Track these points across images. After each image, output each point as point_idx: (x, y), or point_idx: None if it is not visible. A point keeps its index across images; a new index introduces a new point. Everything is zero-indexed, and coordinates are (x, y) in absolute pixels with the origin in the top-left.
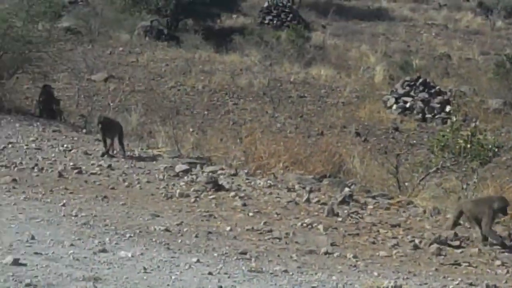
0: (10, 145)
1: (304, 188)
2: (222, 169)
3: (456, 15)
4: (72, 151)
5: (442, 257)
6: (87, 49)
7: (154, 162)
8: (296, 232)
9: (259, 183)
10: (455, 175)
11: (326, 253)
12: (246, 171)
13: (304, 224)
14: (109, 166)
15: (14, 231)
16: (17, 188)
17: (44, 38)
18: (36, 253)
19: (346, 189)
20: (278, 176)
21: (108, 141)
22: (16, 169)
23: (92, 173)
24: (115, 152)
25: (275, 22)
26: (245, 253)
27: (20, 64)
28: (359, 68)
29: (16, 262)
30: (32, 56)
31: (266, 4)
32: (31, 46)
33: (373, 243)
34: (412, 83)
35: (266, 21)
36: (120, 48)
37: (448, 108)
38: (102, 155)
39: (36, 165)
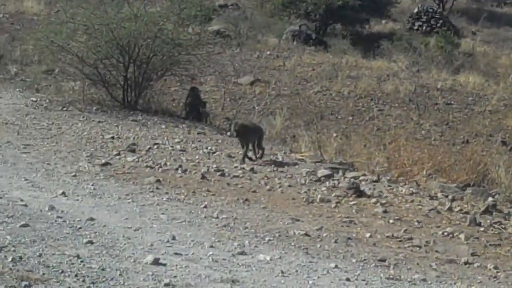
0: (155, 146)
1: (446, 196)
2: (364, 175)
3: None
4: (216, 153)
5: None
6: (235, 53)
7: (297, 166)
8: (437, 240)
9: (401, 190)
10: None
11: (466, 263)
12: (388, 177)
13: (445, 233)
14: (252, 169)
15: (156, 231)
16: (160, 188)
17: (193, 41)
18: (176, 253)
19: (490, 198)
20: (421, 184)
21: (245, 146)
22: (160, 170)
23: (234, 176)
24: (254, 158)
25: (424, 28)
26: (383, 260)
27: (169, 67)
28: (508, 76)
29: (156, 262)
30: (181, 58)
31: (416, 10)
32: (181, 49)
33: None
34: None
35: (415, 27)
36: (268, 52)
37: None
38: (242, 160)
39: (180, 166)
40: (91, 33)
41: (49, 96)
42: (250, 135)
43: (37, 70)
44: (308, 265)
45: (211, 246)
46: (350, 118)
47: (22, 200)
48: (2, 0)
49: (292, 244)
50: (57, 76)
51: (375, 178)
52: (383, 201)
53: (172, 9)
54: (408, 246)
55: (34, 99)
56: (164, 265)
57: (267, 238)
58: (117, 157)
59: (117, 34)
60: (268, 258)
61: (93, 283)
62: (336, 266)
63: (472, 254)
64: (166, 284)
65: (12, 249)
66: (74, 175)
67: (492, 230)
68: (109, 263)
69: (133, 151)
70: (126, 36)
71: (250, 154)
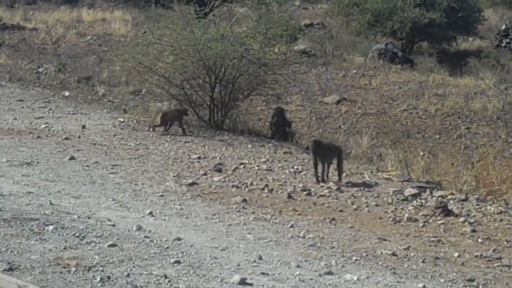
0: (242, 166)
1: None
2: (452, 194)
3: None
4: (302, 173)
5: None
6: (321, 72)
7: (383, 186)
8: None
9: (490, 209)
10: None
11: None
12: (476, 196)
13: None
14: (338, 188)
15: (242, 251)
16: (247, 208)
17: (279, 61)
18: (262, 273)
19: None
20: (510, 203)
21: (321, 166)
22: (246, 189)
23: (321, 195)
24: (326, 178)
25: None
26: (472, 280)
27: (255, 86)
28: None
29: (243, 282)
30: (267, 78)
31: (503, 27)
32: (267, 69)
33: None
34: None
35: (503, 44)
36: (354, 71)
37: None
38: (317, 182)
39: (267, 186)
40: (177, 54)
41: (137, 116)
42: (325, 154)
43: (125, 91)
44: (396, 285)
45: (298, 266)
46: (437, 136)
47: (110, 220)
48: (90, 22)
49: (379, 263)
50: (144, 96)
51: (463, 197)
52: (472, 220)
53: (258, 29)
54: (497, 266)
55: (122, 119)
56: (251, 285)
57: (354, 258)
58: (204, 177)
59: (204, 54)
60: (355, 278)
61: None
62: (424, 286)
63: None
64: None
65: (100, 269)
66: (161, 195)
67: None
68: (196, 283)
69: (220, 170)
70: (212, 57)
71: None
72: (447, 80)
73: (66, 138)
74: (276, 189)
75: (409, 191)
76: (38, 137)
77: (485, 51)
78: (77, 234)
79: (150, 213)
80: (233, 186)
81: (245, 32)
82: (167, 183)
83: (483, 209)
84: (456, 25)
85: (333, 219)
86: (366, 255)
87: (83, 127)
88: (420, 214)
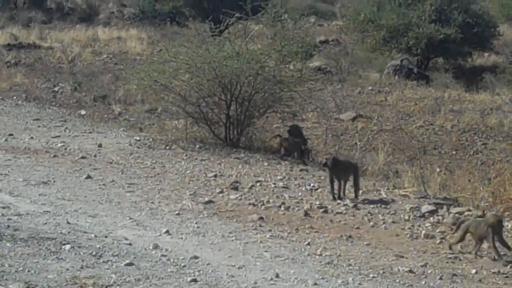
0: (258, 184)
1: None
2: (469, 210)
3: None
4: (319, 190)
5: None
6: (337, 88)
7: (400, 202)
8: None
9: (507, 225)
10: None
11: None
12: (494, 212)
13: None
14: (355, 205)
15: (259, 269)
16: (263, 226)
17: (295, 78)
18: None
19: None
20: None
21: (337, 184)
22: (263, 207)
23: (337, 213)
24: (342, 195)
25: None
26: None
27: (271, 104)
28: None
29: None
30: (283, 95)
31: None
32: (282, 86)
33: None
34: None
35: None
36: (369, 87)
37: None
38: (333, 199)
39: (283, 203)
40: (193, 72)
41: (153, 135)
42: (342, 171)
43: (140, 109)
44: None
45: (315, 284)
46: (454, 152)
47: (126, 239)
48: (106, 41)
49: (397, 281)
50: (160, 115)
51: (480, 213)
52: None
53: (274, 46)
54: None
55: (138, 138)
56: None
57: (371, 275)
58: (220, 195)
59: (219, 72)
60: None
61: None
62: None
63: None
64: None
65: None
66: (178, 214)
67: None
68: None
69: (236, 188)
70: (228, 74)
71: (336, 191)
72: (463, 96)
73: (83, 157)
74: (293, 206)
75: (426, 207)
76: (55, 156)
77: (500, 66)
78: (94, 253)
79: (167, 231)
80: (249, 204)
81: (261, 49)
82: (183, 201)
83: None
84: (472, 41)
85: (350, 236)
86: (383, 272)
87: (100, 145)
88: (437, 230)
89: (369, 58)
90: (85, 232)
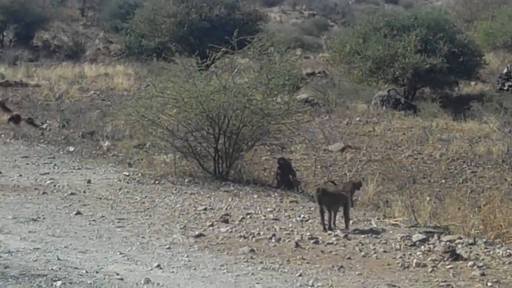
0: (248, 216)
1: None
2: (460, 238)
3: None
4: (309, 221)
5: None
6: (325, 120)
7: (391, 232)
8: None
9: (498, 252)
10: None
11: None
12: (484, 240)
13: None
14: (346, 236)
15: None
16: (254, 258)
17: (282, 111)
18: None
19: None
20: None
21: (327, 214)
22: (254, 239)
23: (328, 243)
24: (333, 226)
25: None
26: None
27: (259, 136)
28: None
29: None
30: (270, 128)
31: (505, 70)
32: (270, 119)
33: None
34: None
35: (505, 87)
36: (357, 118)
37: None
38: (324, 230)
39: (274, 235)
40: (180, 106)
41: (141, 170)
42: (332, 202)
43: (129, 144)
44: None
45: None
46: (443, 181)
47: (118, 274)
48: (93, 77)
49: None
50: (149, 150)
51: (471, 241)
52: (480, 264)
53: (260, 79)
54: None
55: (127, 173)
56: None
57: None
58: (211, 228)
59: (207, 106)
60: None
61: None
62: None
63: None
64: None
65: None
66: (169, 248)
67: None
68: None
69: (226, 221)
70: (215, 108)
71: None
72: (451, 124)
73: (72, 193)
74: (284, 238)
75: (416, 236)
76: (44, 193)
77: (487, 94)
78: None
79: (158, 265)
80: (240, 236)
81: (247, 83)
82: (174, 235)
83: (491, 252)
84: (458, 70)
85: (341, 266)
86: None
87: (89, 181)
88: (429, 259)
89: (356, 89)
90: (76, 268)
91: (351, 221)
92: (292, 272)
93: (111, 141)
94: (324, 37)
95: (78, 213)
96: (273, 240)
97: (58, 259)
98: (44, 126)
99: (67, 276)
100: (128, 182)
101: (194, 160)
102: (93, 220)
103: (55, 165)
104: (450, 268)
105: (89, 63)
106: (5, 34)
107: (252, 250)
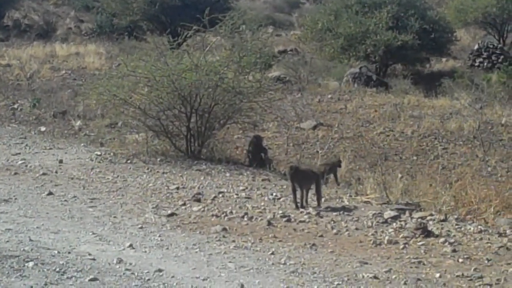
0: (220, 195)
1: None
2: (431, 214)
3: None
4: (281, 199)
5: None
6: (297, 98)
7: (363, 209)
8: (508, 278)
9: (469, 229)
10: None
11: None
12: (456, 216)
13: None
14: (318, 214)
15: (224, 280)
16: (227, 237)
17: (254, 89)
18: None
19: None
20: (489, 221)
21: (299, 192)
22: (226, 218)
23: (300, 221)
24: (305, 204)
25: (485, 64)
26: None
27: (231, 115)
28: None
29: None
30: (242, 106)
31: (476, 47)
32: (242, 97)
33: None
34: None
35: (476, 64)
36: (329, 96)
37: None
38: (296, 208)
39: (246, 214)
40: (152, 85)
41: (113, 149)
42: (304, 180)
43: (101, 124)
44: None
45: None
46: (415, 158)
47: (90, 254)
48: (64, 57)
49: (361, 287)
50: (121, 129)
51: (442, 217)
52: (452, 240)
53: (232, 57)
54: (479, 285)
55: (99, 153)
56: None
57: (335, 283)
58: (183, 207)
59: (178, 85)
60: None
61: None
62: None
63: None
64: None
65: None
66: (141, 227)
67: None
68: None
69: (199, 200)
70: (187, 87)
71: (298, 199)
72: (422, 101)
73: (44, 174)
74: (256, 216)
75: (388, 213)
76: (16, 173)
77: (458, 71)
78: (57, 269)
79: (130, 245)
80: (212, 215)
81: (219, 61)
82: (146, 214)
83: (462, 228)
84: (429, 47)
85: (313, 244)
86: (348, 279)
87: (60, 161)
88: (400, 236)
89: (328, 66)
90: (48, 249)
91: (323, 199)
92: (264, 251)
93: (83, 121)
94: (296, 14)
95: (50, 193)
96: (245, 219)
97: (30, 239)
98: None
99: (39, 256)
100: (100, 162)
101: (166, 139)
102: (65, 200)
103: (26, 145)
104: (422, 244)
105: (60, 43)
106: None
107: (224, 229)
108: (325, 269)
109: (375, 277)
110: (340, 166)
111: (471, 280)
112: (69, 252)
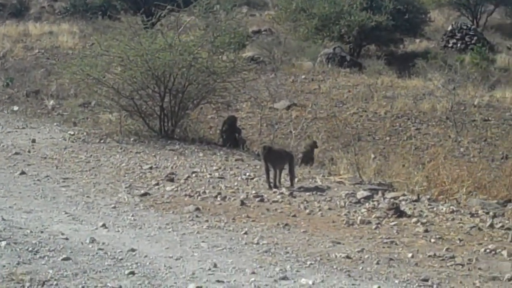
0: (194, 175)
1: (487, 213)
2: (404, 195)
3: None
4: (254, 179)
5: None
6: (270, 78)
7: (336, 189)
8: (479, 258)
9: (442, 209)
10: None
11: (510, 279)
12: (428, 196)
13: (488, 250)
14: (291, 194)
15: (197, 259)
16: (200, 216)
17: (228, 69)
18: (218, 281)
19: None
20: (461, 202)
21: (273, 172)
22: (199, 198)
23: (273, 201)
24: (278, 185)
25: (459, 45)
26: (426, 280)
27: (205, 95)
28: None
29: None
30: (216, 86)
31: (449, 28)
32: (216, 77)
33: None
34: None
35: (450, 45)
36: (303, 76)
37: None
38: (269, 188)
39: (219, 193)
40: (126, 65)
41: (87, 129)
42: (277, 160)
43: (74, 103)
44: (351, 287)
45: (253, 273)
46: (388, 138)
47: (63, 234)
48: (38, 36)
49: (334, 267)
50: (94, 108)
51: (415, 197)
52: (424, 221)
53: (206, 37)
54: (451, 265)
55: (72, 132)
56: None
57: (308, 262)
58: (156, 187)
59: (152, 64)
60: (310, 282)
61: None
62: None
63: None
64: None
65: (54, 283)
66: (114, 207)
67: None
68: None
69: (172, 180)
70: (161, 66)
71: (271, 179)
72: (396, 82)
73: (16, 153)
74: (229, 196)
75: (361, 193)
76: None
77: (432, 52)
78: (30, 249)
79: (103, 225)
80: (185, 195)
81: (193, 41)
82: (119, 194)
83: (435, 209)
84: (403, 27)
85: (286, 224)
86: (321, 259)
87: (33, 141)
88: (373, 216)
89: (302, 47)
90: (20, 228)
91: (296, 179)
92: (237, 230)
93: (56, 100)
94: None
95: (23, 172)
96: (218, 199)
97: (3, 219)
98: None
99: (11, 236)
100: (73, 141)
101: (140, 118)
102: (38, 180)
103: None
104: (394, 224)
105: (34, 22)
106: None
107: (197, 209)
108: (298, 248)
109: (348, 257)
110: (317, 147)
111: (443, 260)
112: (41, 232)
